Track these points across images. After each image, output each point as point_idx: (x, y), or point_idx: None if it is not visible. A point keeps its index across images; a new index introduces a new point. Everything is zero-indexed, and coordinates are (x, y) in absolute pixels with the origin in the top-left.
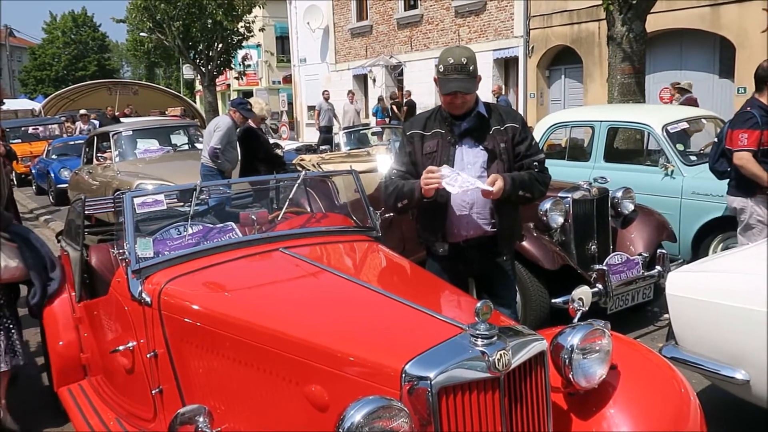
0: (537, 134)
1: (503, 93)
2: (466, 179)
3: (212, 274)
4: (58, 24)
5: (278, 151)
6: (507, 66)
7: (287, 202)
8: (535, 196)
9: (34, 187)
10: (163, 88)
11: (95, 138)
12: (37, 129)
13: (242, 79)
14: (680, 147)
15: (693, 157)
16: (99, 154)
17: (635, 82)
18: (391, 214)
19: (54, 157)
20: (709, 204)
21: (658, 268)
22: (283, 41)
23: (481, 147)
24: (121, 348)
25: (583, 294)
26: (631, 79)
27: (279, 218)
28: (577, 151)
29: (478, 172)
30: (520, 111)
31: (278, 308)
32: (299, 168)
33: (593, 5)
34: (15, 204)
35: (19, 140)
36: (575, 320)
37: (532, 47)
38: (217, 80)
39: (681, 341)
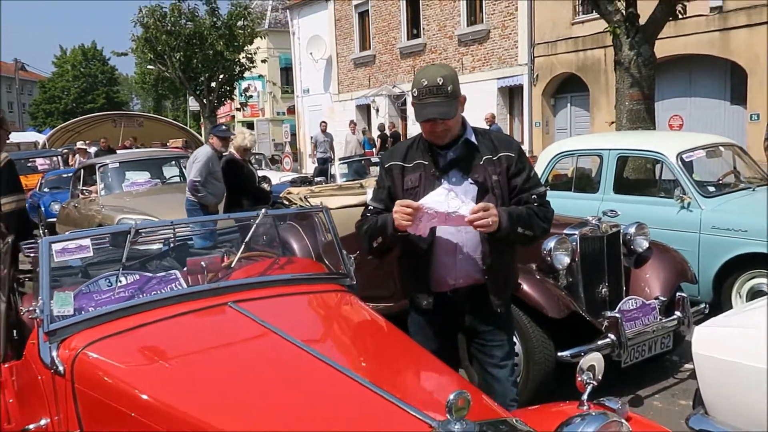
0: (541, 164)
1: (495, 122)
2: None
3: (141, 336)
4: (68, 58)
5: (265, 185)
6: (512, 94)
7: (243, 246)
8: (537, 235)
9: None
10: (167, 119)
11: (82, 171)
12: (35, 161)
13: (244, 110)
14: (697, 177)
15: (711, 188)
16: (84, 188)
17: (645, 109)
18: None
19: (46, 190)
20: (731, 240)
21: (678, 314)
22: (287, 72)
23: (470, 180)
24: (32, 427)
25: (594, 362)
26: (640, 106)
27: (233, 264)
28: (585, 182)
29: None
30: (525, 140)
31: (203, 390)
32: (285, 202)
33: (599, 32)
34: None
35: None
36: (584, 396)
37: (537, 75)
38: (219, 111)
39: (711, 409)
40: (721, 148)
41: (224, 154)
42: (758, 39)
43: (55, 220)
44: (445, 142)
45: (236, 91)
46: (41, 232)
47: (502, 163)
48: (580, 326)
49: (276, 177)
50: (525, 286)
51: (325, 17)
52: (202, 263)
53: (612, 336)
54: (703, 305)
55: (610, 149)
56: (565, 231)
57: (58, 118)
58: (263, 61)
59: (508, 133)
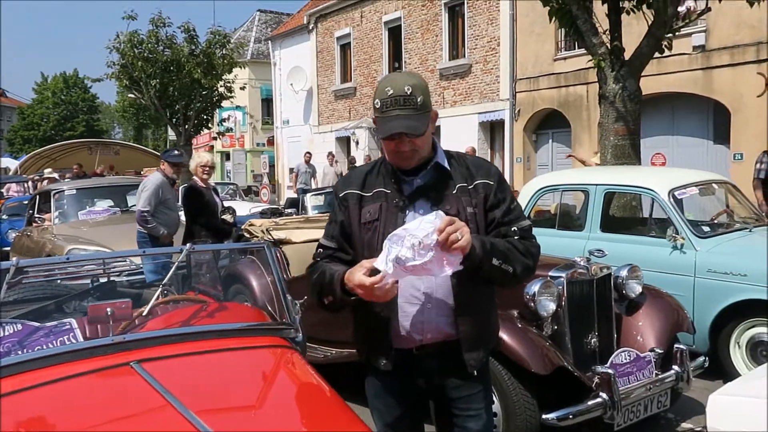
0: (523, 199)
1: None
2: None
3: (14, 405)
4: (48, 85)
5: (228, 216)
6: (493, 129)
7: (160, 289)
8: (518, 272)
9: None
10: (144, 148)
11: (38, 197)
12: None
13: (220, 139)
14: (690, 216)
15: (706, 228)
16: (37, 215)
17: (630, 144)
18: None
19: (5, 217)
20: (729, 284)
21: (676, 368)
22: (268, 103)
23: (440, 212)
24: None
25: None
26: (625, 141)
27: (146, 312)
28: (569, 219)
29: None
30: (506, 176)
31: None
32: (246, 235)
33: (581, 68)
34: None
35: None
36: None
37: (519, 110)
38: (198, 141)
39: None
40: (714, 185)
41: (176, 180)
42: (741, 78)
43: (9, 249)
44: (412, 166)
45: (214, 120)
46: None
47: (479, 193)
48: (567, 383)
49: (246, 208)
50: (505, 337)
51: (307, 48)
52: (108, 310)
53: (604, 395)
54: (702, 358)
55: (596, 184)
56: (550, 273)
57: (36, 145)
58: (242, 88)
59: None
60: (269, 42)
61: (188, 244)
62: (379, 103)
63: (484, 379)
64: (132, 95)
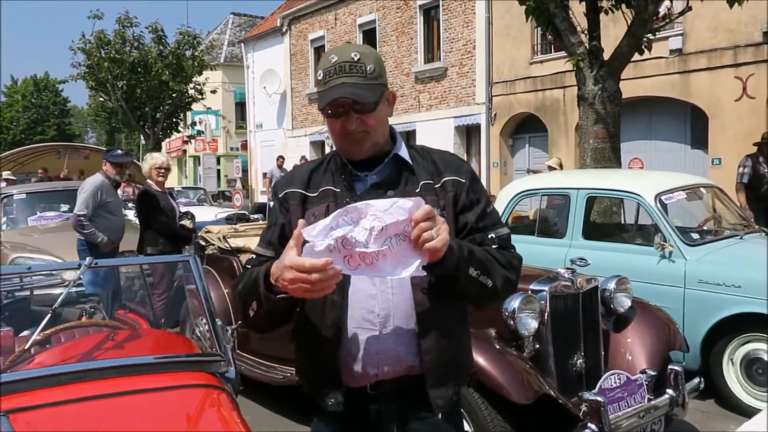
0: (500, 204)
1: None
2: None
3: None
4: (18, 88)
5: (186, 222)
6: (469, 134)
7: (48, 315)
8: (497, 287)
9: None
10: None
11: None
12: None
13: (191, 143)
14: (677, 222)
15: (695, 235)
16: None
17: (610, 148)
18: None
19: None
20: (722, 296)
21: (670, 392)
22: (242, 107)
23: (421, 198)
24: None
25: None
26: (605, 144)
27: (30, 345)
28: (550, 226)
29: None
30: (483, 181)
31: None
32: (202, 243)
33: (558, 72)
34: None
35: None
36: None
37: (495, 114)
38: (171, 145)
39: None
40: (702, 189)
41: (120, 182)
42: (720, 82)
43: None
44: (364, 155)
45: (185, 123)
46: None
47: (447, 191)
48: (551, 411)
49: (212, 213)
50: (481, 361)
51: (281, 51)
52: None
53: (593, 426)
54: (697, 380)
55: (578, 188)
56: (531, 286)
57: (5, 149)
58: (213, 91)
59: None
60: (242, 45)
61: (87, 258)
62: (321, 74)
63: (454, 421)
64: (101, 98)
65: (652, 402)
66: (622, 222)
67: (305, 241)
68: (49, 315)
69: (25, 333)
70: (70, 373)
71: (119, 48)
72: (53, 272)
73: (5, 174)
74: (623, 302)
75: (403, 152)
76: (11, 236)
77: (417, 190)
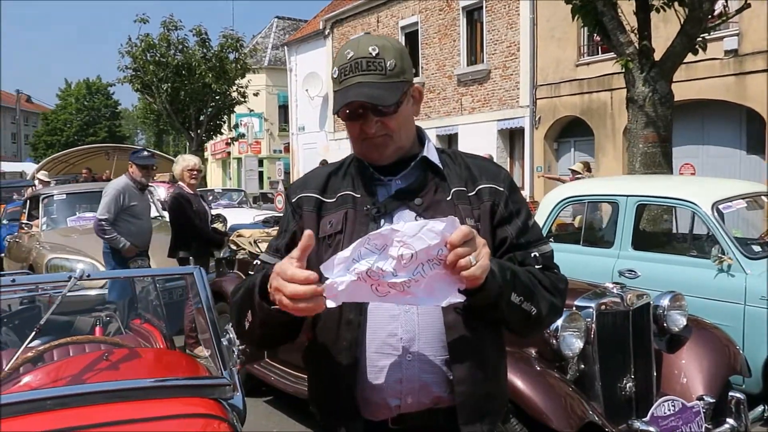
0: (543, 211)
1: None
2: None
3: None
4: (72, 91)
5: (218, 225)
6: (512, 137)
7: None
8: (543, 316)
9: None
10: (162, 154)
11: (29, 202)
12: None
13: (233, 145)
14: (737, 233)
15: (756, 248)
16: (24, 222)
17: (661, 152)
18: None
19: (5, 222)
20: None
21: (731, 422)
22: (285, 110)
23: (455, 218)
24: None
25: None
26: (656, 149)
27: (8, 367)
28: (596, 235)
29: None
30: (526, 186)
31: None
32: (233, 247)
33: (605, 74)
34: None
35: None
36: None
37: (539, 118)
38: (216, 147)
39: None
40: (764, 198)
41: (146, 185)
42: None
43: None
44: (387, 160)
45: (225, 126)
46: None
47: (483, 201)
48: None
49: (250, 216)
50: (520, 384)
51: (323, 54)
52: None
53: None
54: (761, 408)
55: (627, 195)
56: (576, 302)
57: (59, 150)
58: (255, 94)
59: None
60: (285, 48)
61: (79, 269)
62: (336, 72)
63: None
64: (147, 100)
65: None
66: (675, 232)
67: (322, 276)
68: (33, 333)
69: (36, 343)
70: (56, 398)
71: (164, 51)
72: (37, 285)
73: (40, 175)
74: (678, 320)
75: (432, 155)
76: (51, 236)
77: (448, 198)
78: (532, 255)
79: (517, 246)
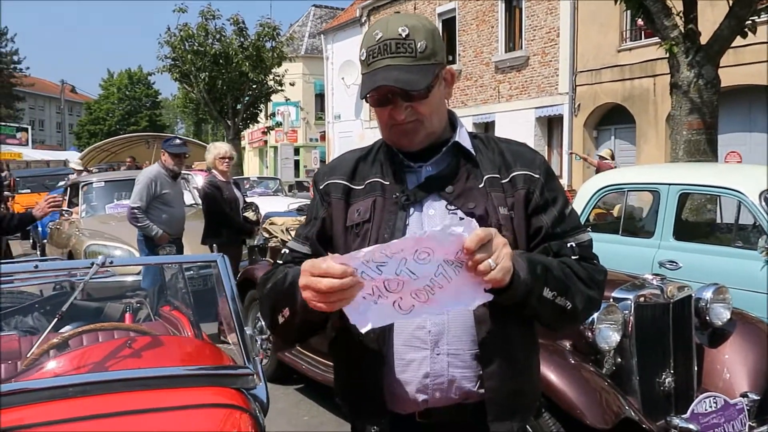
0: (581, 200)
1: None
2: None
3: None
4: (114, 81)
5: (250, 213)
6: (550, 125)
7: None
8: (578, 310)
9: (31, 241)
10: (200, 142)
11: (69, 189)
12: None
13: (270, 134)
14: None
15: None
16: (64, 209)
17: (706, 140)
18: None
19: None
20: None
21: None
22: (321, 98)
23: (459, 214)
24: None
25: None
26: (700, 136)
27: (31, 352)
28: (636, 224)
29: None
30: (564, 175)
31: None
32: (265, 234)
33: (648, 59)
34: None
35: (28, 190)
36: None
37: (579, 105)
38: (252, 136)
39: None
40: None
41: (186, 174)
42: None
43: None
44: (417, 146)
45: (262, 114)
46: (38, 253)
47: (517, 188)
48: None
49: (284, 204)
50: (553, 378)
51: (359, 42)
52: None
53: None
54: None
55: (669, 184)
56: (613, 294)
57: (101, 139)
58: (291, 84)
59: None
60: (322, 36)
61: (100, 257)
62: (364, 54)
63: None
64: (185, 88)
65: (755, 431)
66: (719, 221)
67: None
68: (55, 320)
69: (67, 328)
70: (78, 385)
71: (202, 40)
72: (60, 271)
73: (73, 164)
74: (721, 314)
75: (465, 140)
76: (91, 223)
77: (480, 185)
78: (569, 245)
79: (553, 236)
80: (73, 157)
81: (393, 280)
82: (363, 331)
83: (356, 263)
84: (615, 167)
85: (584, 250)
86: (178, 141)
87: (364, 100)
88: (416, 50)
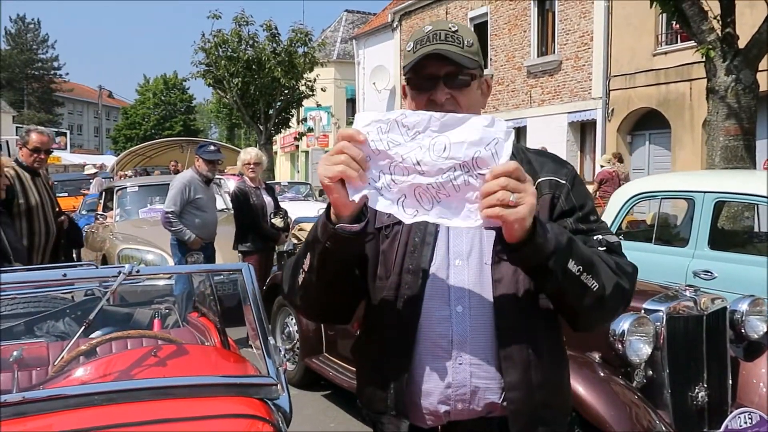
0: (614, 206)
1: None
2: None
3: None
4: (150, 86)
5: (277, 220)
6: (583, 130)
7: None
8: (606, 296)
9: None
10: (232, 147)
11: (104, 194)
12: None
13: (302, 140)
14: None
15: None
16: (100, 213)
17: (744, 146)
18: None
19: (84, 212)
20: None
21: None
22: (353, 103)
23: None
24: None
25: None
26: (738, 142)
27: (61, 358)
28: (670, 233)
29: (478, 266)
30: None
31: None
32: (294, 240)
33: (684, 63)
34: None
35: (66, 194)
36: None
37: (612, 110)
38: (285, 141)
39: None
40: None
41: (218, 179)
42: None
43: None
44: None
45: (293, 119)
46: (74, 257)
47: (543, 193)
48: None
49: (314, 209)
50: (581, 390)
51: (391, 47)
52: (15, 353)
53: None
54: None
55: (704, 192)
56: (644, 305)
57: (137, 143)
58: (323, 89)
59: (579, 172)
60: (354, 41)
61: (127, 266)
62: (411, 45)
63: None
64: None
65: None
66: (757, 230)
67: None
68: (83, 327)
69: (97, 334)
70: (103, 393)
71: (235, 46)
72: (88, 279)
73: (88, 169)
74: (757, 327)
75: None
76: (125, 227)
77: None
78: (595, 238)
79: (577, 231)
80: (109, 161)
81: (401, 165)
82: (352, 197)
83: (374, 117)
84: (617, 172)
85: (613, 246)
86: (212, 148)
87: (405, 84)
88: (464, 43)
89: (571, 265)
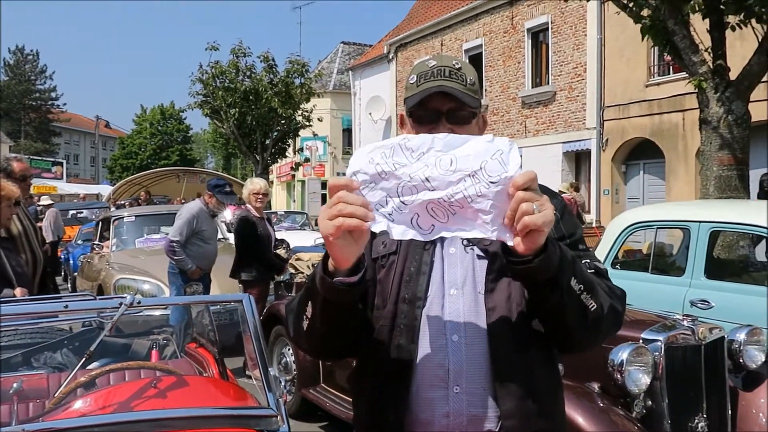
0: (610, 236)
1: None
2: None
3: None
4: (147, 116)
5: (281, 250)
6: (578, 160)
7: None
8: (604, 314)
9: (63, 273)
10: (230, 177)
11: (101, 223)
12: (82, 212)
13: (297, 169)
14: None
15: None
16: (95, 242)
17: (737, 176)
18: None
19: (79, 242)
20: None
21: None
22: (349, 133)
23: (477, 250)
24: None
25: None
26: (731, 172)
27: (60, 391)
28: (666, 262)
29: (472, 295)
30: (592, 209)
31: None
32: (291, 270)
33: (677, 94)
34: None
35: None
36: None
37: (607, 140)
38: (281, 170)
39: None
40: None
41: (217, 214)
42: None
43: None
44: None
45: (290, 149)
46: (68, 287)
47: None
48: None
49: (311, 239)
50: (580, 420)
51: (387, 78)
52: (14, 385)
53: None
54: None
55: (700, 222)
56: (643, 335)
57: (133, 173)
58: (319, 119)
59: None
60: (350, 72)
61: (128, 296)
62: (414, 78)
63: None
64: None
65: None
66: (752, 260)
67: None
68: (83, 360)
69: (95, 365)
70: (103, 425)
71: (233, 77)
72: (90, 311)
73: (43, 199)
74: (755, 356)
75: None
76: (121, 257)
77: None
78: (584, 262)
79: None
80: (105, 191)
81: (409, 185)
82: (374, 228)
83: (376, 144)
84: (575, 199)
85: (601, 271)
86: (228, 188)
87: (407, 116)
88: (467, 81)
89: (574, 283)
